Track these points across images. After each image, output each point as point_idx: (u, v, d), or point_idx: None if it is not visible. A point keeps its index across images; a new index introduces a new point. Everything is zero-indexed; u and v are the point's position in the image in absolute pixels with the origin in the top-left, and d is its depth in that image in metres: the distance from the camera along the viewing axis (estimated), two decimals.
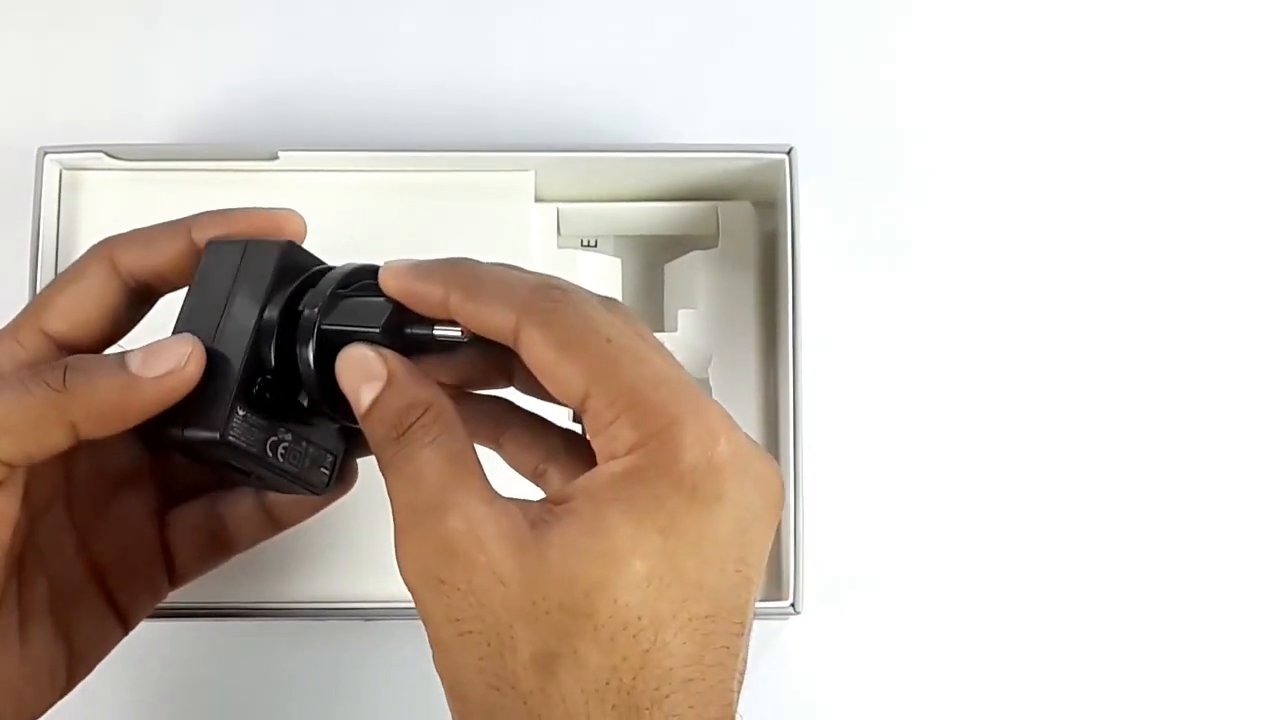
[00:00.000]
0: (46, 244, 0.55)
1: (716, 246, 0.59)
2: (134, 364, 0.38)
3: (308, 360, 0.40)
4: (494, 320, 0.37)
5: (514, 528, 0.34)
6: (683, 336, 0.58)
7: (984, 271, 0.62)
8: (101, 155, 0.55)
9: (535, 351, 0.36)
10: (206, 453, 0.41)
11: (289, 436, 0.41)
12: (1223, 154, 0.64)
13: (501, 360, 0.41)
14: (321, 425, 0.43)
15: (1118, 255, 0.63)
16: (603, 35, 0.64)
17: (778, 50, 0.64)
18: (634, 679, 0.33)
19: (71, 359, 0.39)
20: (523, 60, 0.63)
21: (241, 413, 0.40)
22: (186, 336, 0.39)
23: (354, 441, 0.44)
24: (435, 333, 0.39)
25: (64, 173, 0.56)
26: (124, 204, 0.56)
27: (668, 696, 0.34)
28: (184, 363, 0.39)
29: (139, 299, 0.43)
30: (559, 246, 0.59)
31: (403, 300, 0.39)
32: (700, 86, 0.63)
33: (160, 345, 0.39)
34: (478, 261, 0.39)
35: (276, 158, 0.56)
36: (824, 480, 0.58)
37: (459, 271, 0.38)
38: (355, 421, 0.41)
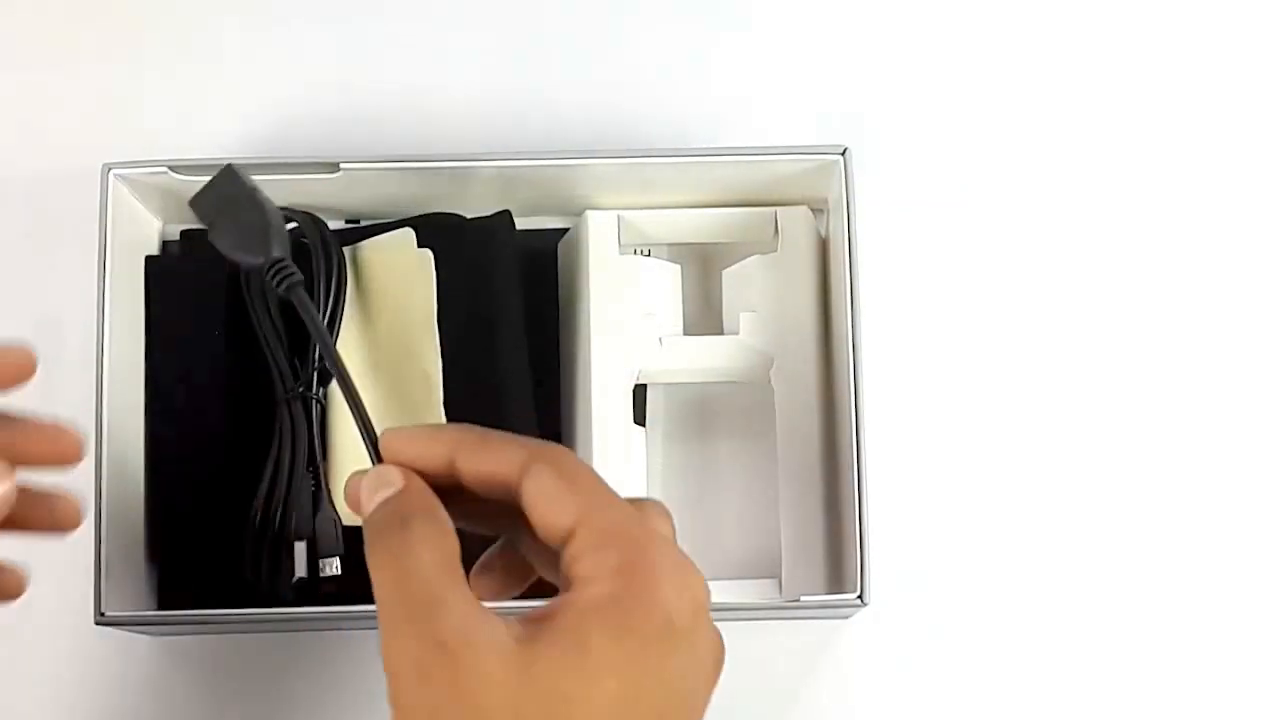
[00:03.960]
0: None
1: (776, 251, 0.59)
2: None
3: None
4: (503, 462, 0.39)
5: (503, 637, 0.36)
6: (744, 339, 0.58)
7: (1045, 274, 0.62)
8: (165, 171, 0.56)
9: (541, 481, 0.38)
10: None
11: None
12: (1239, 130, 0.63)
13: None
14: None
15: (1183, 257, 0.62)
16: (653, 45, 0.64)
17: (831, 51, 0.64)
18: None
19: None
20: (575, 69, 0.64)
21: None
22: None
23: None
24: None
25: (129, 189, 0.57)
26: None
27: None
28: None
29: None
30: (619, 253, 0.59)
31: (407, 463, 0.40)
32: (753, 92, 0.64)
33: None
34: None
35: (338, 170, 0.56)
36: (884, 480, 0.58)
37: (467, 430, 0.41)
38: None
